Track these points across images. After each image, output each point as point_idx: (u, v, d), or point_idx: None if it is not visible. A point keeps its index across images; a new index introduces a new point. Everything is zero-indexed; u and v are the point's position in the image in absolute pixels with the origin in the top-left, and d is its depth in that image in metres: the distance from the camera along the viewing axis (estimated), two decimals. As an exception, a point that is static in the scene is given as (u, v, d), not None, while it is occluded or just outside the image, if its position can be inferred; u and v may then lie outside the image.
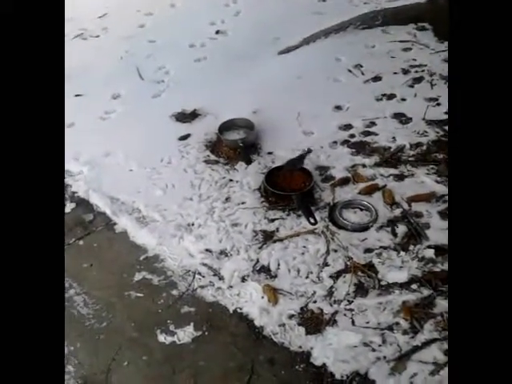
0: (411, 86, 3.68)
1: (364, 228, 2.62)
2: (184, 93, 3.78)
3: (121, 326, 2.30)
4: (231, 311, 2.30)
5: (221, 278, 2.44)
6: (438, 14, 4.34)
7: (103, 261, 2.61)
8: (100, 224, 2.83)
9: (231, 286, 2.39)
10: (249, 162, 3.07)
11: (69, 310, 2.38)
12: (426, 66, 3.89)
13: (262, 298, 2.32)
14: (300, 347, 2.14)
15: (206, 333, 2.23)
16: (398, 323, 2.17)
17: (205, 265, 2.50)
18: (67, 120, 3.49)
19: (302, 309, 2.27)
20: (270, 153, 3.15)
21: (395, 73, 3.84)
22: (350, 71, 3.90)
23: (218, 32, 4.71)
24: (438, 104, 3.44)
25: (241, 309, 2.31)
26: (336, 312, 2.24)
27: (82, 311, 2.38)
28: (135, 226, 2.74)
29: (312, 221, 2.62)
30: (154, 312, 2.33)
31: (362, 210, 2.73)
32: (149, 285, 2.45)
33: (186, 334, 2.23)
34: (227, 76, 3.94)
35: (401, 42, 4.22)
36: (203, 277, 2.46)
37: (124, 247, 2.68)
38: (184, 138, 3.31)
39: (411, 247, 2.49)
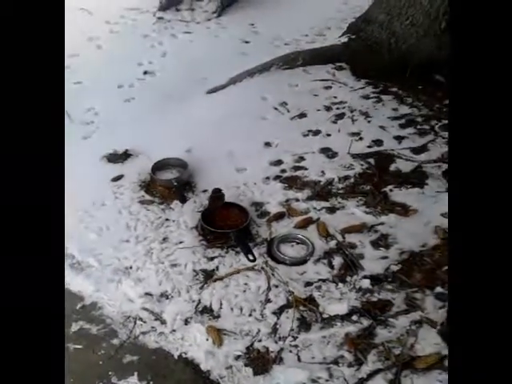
0: (334, 122, 3.69)
1: (302, 261, 2.54)
2: (115, 133, 3.60)
3: (59, 381, 2.07)
4: (176, 357, 2.13)
5: (163, 322, 2.26)
6: (352, 54, 4.44)
7: (36, 311, 2.36)
8: (32, 272, 2.58)
9: (174, 330, 2.22)
10: (184, 200, 2.93)
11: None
12: (346, 102, 3.92)
13: (207, 340, 2.17)
14: (249, 389, 2.00)
15: (151, 382, 2.04)
16: (342, 356, 2.09)
17: (146, 309, 2.32)
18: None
19: (247, 348, 2.14)
20: (204, 191, 3.03)
21: (318, 110, 3.85)
22: (276, 109, 3.87)
23: (145, 72, 4.58)
24: (361, 138, 3.47)
25: (186, 353, 2.14)
26: (281, 349, 2.13)
27: (15, 369, 2.12)
28: (69, 272, 2.51)
29: (251, 257, 2.51)
30: (95, 364, 2.11)
31: (298, 243, 2.66)
32: (87, 335, 2.23)
33: (130, 386, 2.04)
34: (157, 116, 3.80)
35: (321, 80, 4.25)
36: (145, 322, 2.27)
37: (59, 295, 2.44)
38: (117, 178, 3.13)
39: (348, 278, 2.44)
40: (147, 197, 2.99)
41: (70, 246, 2.64)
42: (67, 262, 2.56)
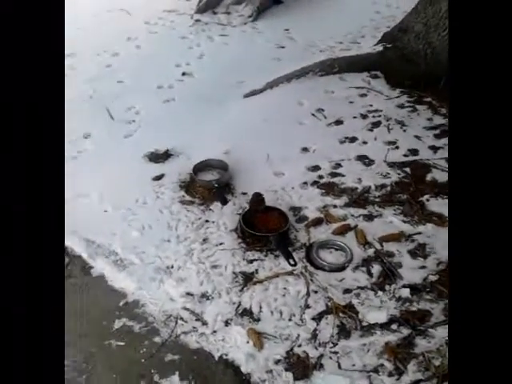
0: (370, 130, 3.63)
1: (341, 268, 2.49)
2: (155, 133, 3.58)
3: (102, 378, 2.05)
4: (217, 358, 2.10)
5: (204, 323, 2.23)
6: (387, 63, 4.37)
7: (81, 307, 2.34)
8: (76, 268, 2.56)
9: (215, 331, 2.20)
10: (225, 202, 2.90)
11: (46, 361, 2.10)
12: (381, 111, 3.86)
13: (247, 342, 2.13)
14: (289, 394, 1.97)
15: (193, 383, 2.01)
16: (382, 365, 2.05)
17: (187, 309, 2.29)
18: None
19: (287, 353, 2.11)
20: (244, 193, 2.99)
21: (355, 117, 3.80)
22: (313, 115, 3.82)
23: (184, 74, 4.56)
24: (397, 147, 3.40)
25: (226, 355, 2.11)
26: (321, 355, 2.09)
27: (60, 363, 2.11)
28: (113, 269, 2.50)
29: (292, 262, 2.47)
30: (137, 362, 2.09)
31: (337, 250, 2.61)
32: (130, 332, 2.21)
33: (171, 385, 2.01)
34: (196, 117, 3.78)
35: (357, 88, 4.19)
36: (186, 322, 2.25)
37: (102, 292, 2.42)
38: (158, 178, 3.11)
39: (387, 287, 2.39)
40: (187, 197, 2.96)
41: (114, 243, 2.63)
42: (110, 259, 2.55)
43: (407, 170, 3.17)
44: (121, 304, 2.35)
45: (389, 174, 3.14)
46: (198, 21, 5.95)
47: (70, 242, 2.68)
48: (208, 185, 3.01)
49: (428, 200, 2.90)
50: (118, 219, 2.78)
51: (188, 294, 2.36)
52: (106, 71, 4.65)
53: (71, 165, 3.24)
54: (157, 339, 2.18)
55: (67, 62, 4.80)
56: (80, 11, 6.02)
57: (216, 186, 2.99)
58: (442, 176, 3.08)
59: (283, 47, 5.19)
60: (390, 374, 2.01)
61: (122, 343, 2.17)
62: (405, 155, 3.31)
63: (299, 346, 2.13)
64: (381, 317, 2.24)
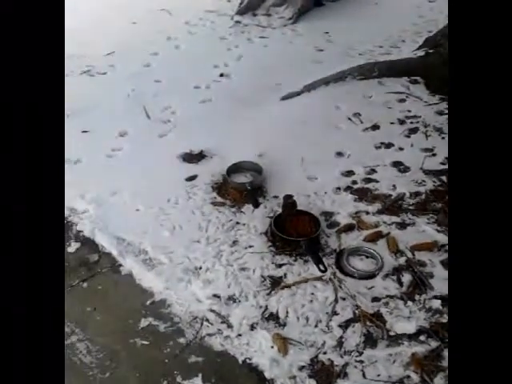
0: (407, 136, 3.58)
1: (371, 276, 2.47)
2: (190, 133, 3.62)
3: (125, 376, 2.07)
4: (240, 362, 2.10)
5: (229, 326, 2.24)
6: (428, 69, 4.31)
7: (108, 305, 2.39)
8: (105, 265, 2.60)
9: (240, 335, 2.20)
10: (257, 205, 2.90)
11: (70, 357, 2.14)
12: (420, 117, 3.80)
13: (272, 347, 2.13)
14: (312, 402, 1.96)
15: (215, 385, 2.03)
16: (408, 376, 2.02)
17: (213, 311, 2.31)
18: (74, 156, 3.33)
19: (312, 360, 2.10)
20: (275, 196, 2.99)
21: (392, 122, 3.75)
22: (349, 119, 3.79)
23: (221, 75, 4.59)
24: (434, 154, 3.35)
25: (250, 359, 2.11)
26: (346, 364, 2.08)
27: (84, 360, 2.14)
28: (142, 268, 2.54)
29: (322, 268, 2.46)
30: (161, 362, 2.11)
31: (367, 257, 2.59)
32: (155, 332, 2.23)
33: (194, 387, 2.03)
34: (232, 118, 3.80)
35: (396, 93, 4.14)
36: (211, 324, 2.26)
37: (130, 290, 2.46)
38: (191, 178, 3.14)
39: (417, 297, 2.35)
40: (219, 199, 2.98)
41: (144, 242, 2.67)
42: (139, 257, 2.59)
43: (443, 178, 3.11)
44: (148, 303, 2.38)
45: (424, 181, 3.09)
46: (237, 22, 5.98)
47: (100, 239, 2.73)
48: (240, 187, 3.02)
49: (464, 210, 2.83)
50: (149, 218, 2.82)
51: (215, 295, 2.37)
52: (145, 70, 4.72)
53: (106, 163, 3.33)
54: (181, 340, 2.20)
55: (107, 60, 4.92)
56: (120, 12, 6.15)
57: (248, 188, 3.00)
58: (480, 186, 3.01)
59: (322, 50, 5.16)
60: (416, 387, 1.98)
61: (147, 342, 2.19)
62: (442, 163, 3.24)
63: (324, 353, 2.11)
64: (409, 327, 2.21)
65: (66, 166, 3.25)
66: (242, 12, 6.19)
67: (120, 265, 2.60)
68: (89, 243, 2.75)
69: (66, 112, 3.83)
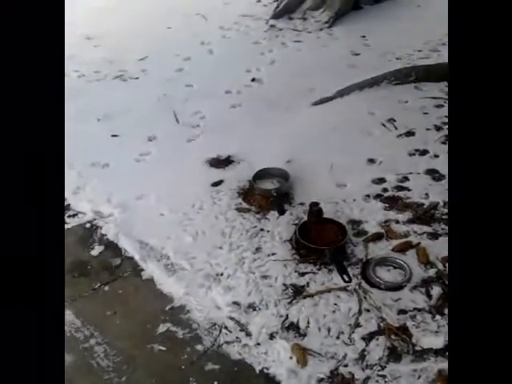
0: (444, 143, 3.50)
1: (398, 287, 2.41)
2: (219, 138, 3.64)
3: (141, 381, 2.09)
4: (257, 371, 2.09)
5: (248, 334, 2.23)
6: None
7: (128, 309, 2.42)
8: (127, 269, 2.64)
9: (259, 344, 2.19)
10: (282, 212, 2.89)
11: (88, 360, 2.17)
12: (458, 123, 3.71)
13: (291, 358, 2.11)
14: (330, 416, 1.93)
15: (231, 394, 2.02)
16: (433, 394, 1.96)
17: (232, 319, 2.30)
18: (103, 160, 3.39)
19: (332, 372, 2.06)
20: (302, 203, 2.98)
21: (428, 129, 3.68)
22: (383, 125, 3.75)
23: (253, 80, 4.62)
24: (472, 162, 3.25)
25: (268, 369, 2.10)
26: (368, 378, 2.03)
27: (101, 363, 2.16)
28: (163, 273, 2.56)
29: (346, 279, 2.42)
30: (177, 368, 2.11)
31: (395, 268, 2.53)
32: (173, 338, 2.24)
33: (210, 395, 2.03)
34: (262, 124, 3.81)
35: (433, 98, 4.07)
36: (230, 331, 2.26)
37: (150, 295, 2.48)
38: (217, 184, 3.16)
39: (446, 311, 2.27)
40: (244, 205, 2.99)
41: (167, 247, 2.69)
42: (161, 262, 2.61)
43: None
44: (167, 308, 2.39)
45: (460, 190, 3.01)
46: (272, 26, 6.00)
47: (124, 243, 2.78)
48: (266, 193, 3.02)
49: (500, 221, 2.75)
50: (173, 223, 2.85)
51: (235, 303, 2.37)
52: (177, 75, 4.78)
53: (133, 167, 3.38)
54: (199, 347, 2.20)
55: (140, 65, 5.01)
56: (156, 17, 6.26)
57: (274, 194, 2.99)
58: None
59: (358, 54, 5.12)
60: (442, 405, 1.93)
61: (164, 348, 2.20)
62: (479, 171, 3.16)
63: (345, 365, 2.07)
64: (437, 342, 2.14)
65: (95, 169, 3.33)
66: (277, 16, 6.21)
67: (142, 269, 2.63)
68: (112, 247, 2.79)
69: (98, 116, 3.94)
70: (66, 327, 2.30)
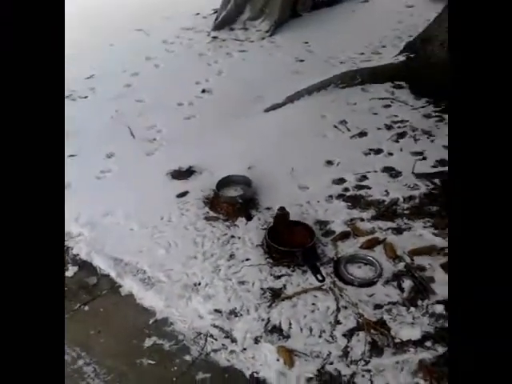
0: (396, 141, 3.63)
1: (370, 283, 2.48)
2: (177, 150, 3.63)
3: (134, 396, 2.07)
4: (248, 376, 2.10)
5: (233, 340, 2.24)
6: (411, 73, 4.38)
7: (111, 327, 2.37)
8: (105, 287, 2.60)
9: (245, 349, 2.20)
10: (249, 217, 2.92)
11: (79, 382, 2.12)
12: (407, 121, 3.86)
13: (278, 360, 2.13)
14: (323, 413, 1.96)
15: (225, 401, 2.02)
16: (418, 384, 2.02)
17: (216, 326, 2.30)
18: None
19: (319, 371, 2.09)
20: (268, 208, 3.01)
21: (379, 128, 3.80)
22: (335, 127, 3.84)
23: (203, 91, 4.63)
24: (424, 158, 3.39)
25: (257, 373, 2.11)
26: (354, 373, 2.08)
27: (92, 383, 2.12)
28: (141, 287, 2.53)
29: (320, 278, 2.47)
30: (169, 380, 2.10)
31: (366, 264, 2.60)
32: (160, 350, 2.23)
33: (203, 404, 2.02)
34: (218, 133, 3.82)
35: (380, 99, 4.21)
36: (215, 339, 2.26)
37: (131, 311, 2.45)
38: (182, 195, 3.15)
39: (419, 302, 2.36)
40: (212, 213, 2.99)
41: (141, 261, 2.66)
42: (138, 277, 2.58)
43: (436, 181, 3.15)
44: (150, 322, 2.37)
45: (417, 185, 3.12)
46: (215, 38, 6.04)
47: (98, 261, 2.73)
48: (232, 200, 3.04)
49: (459, 212, 2.87)
50: (144, 237, 2.82)
51: (216, 310, 2.37)
52: (126, 91, 4.73)
53: (96, 185, 3.32)
54: (187, 357, 2.19)
55: (88, 83, 4.92)
56: (96, 34, 6.16)
57: (240, 201, 3.01)
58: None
59: (303, 60, 5.23)
60: (426, 394, 1.98)
61: (153, 362, 2.18)
62: (433, 166, 3.29)
63: (331, 363, 2.11)
64: (414, 333, 2.21)
65: (55, 189, 3.25)
66: (218, 27, 6.25)
67: (119, 286, 2.59)
68: (86, 266, 2.74)
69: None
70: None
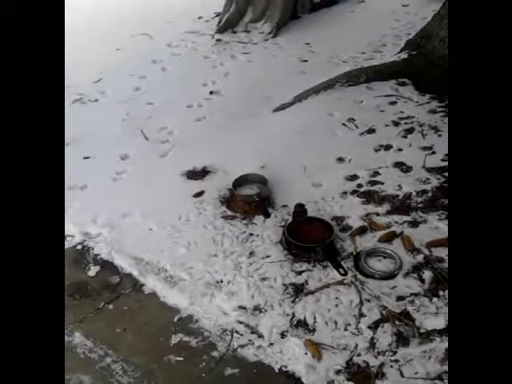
0: (404, 137, 3.60)
1: (391, 276, 2.47)
2: (190, 151, 3.60)
3: (165, 394, 2.04)
4: (277, 370, 2.08)
5: (260, 336, 2.22)
6: (414, 70, 4.36)
7: (136, 324, 2.35)
8: (128, 286, 2.57)
9: (272, 343, 2.18)
10: (267, 215, 2.90)
11: (108, 379, 2.10)
12: (413, 117, 3.83)
13: (306, 353, 2.11)
14: (355, 404, 1.94)
15: (256, 396, 2.00)
16: (446, 371, 1.99)
17: (241, 322, 2.29)
18: (79, 183, 3.29)
19: (347, 363, 2.08)
20: (284, 206, 2.99)
21: (387, 125, 3.77)
22: (344, 125, 3.81)
23: (211, 92, 4.59)
24: (433, 152, 3.37)
25: (286, 367, 2.09)
26: (382, 364, 2.07)
27: (121, 380, 2.09)
28: (164, 286, 2.51)
29: (342, 272, 2.45)
30: (197, 376, 2.07)
31: (385, 257, 2.59)
32: (187, 347, 2.20)
33: (234, 400, 2.00)
34: (229, 133, 3.80)
35: (386, 96, 4.17)
36: (241, 335, 2.24)
37: (155, 309, 2.42)
38: (198, 194, 3.12)
39: (441, 292, 2.35)
40: (229, 212, 2.97)
41: (162, 260, 2.64)
42: (160, 276, 2.56)
43: (446, 174, 3.13)
44: (175, 320, 2.35)
45: (428, 179, 3.11)
46: (218, 40, 6.01)
47: (119, 260, 2.70)
48: (248, 199, 3.01)
49: (472, 203, 2.86)
50: (163, 237, 2.80)
51: (240, 307, 2.35)
52: (136, 94, 4.69)
53: (112, 186, 3.29)
54: (214, 353, 2.17)
55: (97, 87, 4.89)
56: (102, 40, 6.13)
57: (256, 199, 2.99)
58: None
59: (306, 61, 5.20)
60: (455, 381, 1.97)
61: (181, 358, 2.16)
62: (443, 160, 3.26)
63: (358, 355, 2.10)
64: (438, 323, 2.20)
65: (73, 192, 3.22)
66: (221, 30, 6.21)
67: (142, 284, 2.57)
68: (108, 265, 2.71)
69: (65, 141, 3.80)
70: (77, 349, 2.23)
